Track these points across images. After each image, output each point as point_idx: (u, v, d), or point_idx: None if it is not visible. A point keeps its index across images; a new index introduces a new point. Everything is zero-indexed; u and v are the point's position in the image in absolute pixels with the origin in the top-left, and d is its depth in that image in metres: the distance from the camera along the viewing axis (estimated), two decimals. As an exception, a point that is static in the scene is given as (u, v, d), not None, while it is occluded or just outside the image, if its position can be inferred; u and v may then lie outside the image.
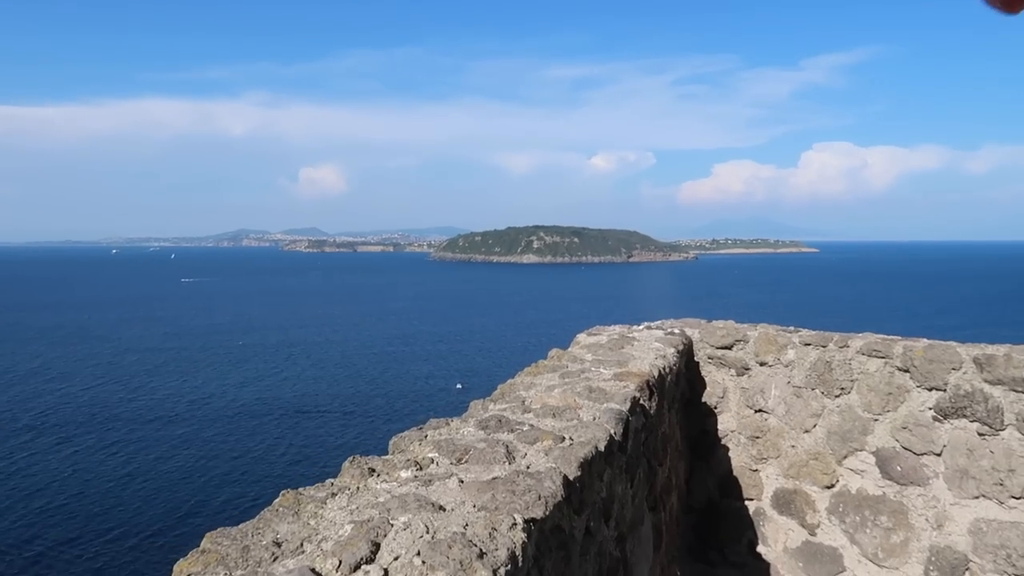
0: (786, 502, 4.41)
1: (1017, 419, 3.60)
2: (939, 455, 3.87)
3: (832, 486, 4.25)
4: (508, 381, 3.29)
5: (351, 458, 2.09)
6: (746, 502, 4.59)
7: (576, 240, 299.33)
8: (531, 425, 2.45)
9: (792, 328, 4.58)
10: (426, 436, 2.33)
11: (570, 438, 2.32)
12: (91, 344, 65.02)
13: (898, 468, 4.00)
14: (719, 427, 4.66)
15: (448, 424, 2.47)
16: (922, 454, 3.92)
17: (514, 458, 2.12)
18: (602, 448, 2.32)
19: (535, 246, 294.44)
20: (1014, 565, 3.64)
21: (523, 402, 2.79)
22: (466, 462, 2.08)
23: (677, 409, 4.35)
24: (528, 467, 2.06)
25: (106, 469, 31.87)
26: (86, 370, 52.78)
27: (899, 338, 4.13)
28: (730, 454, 4.64)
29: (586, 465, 2.14)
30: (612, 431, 2.50)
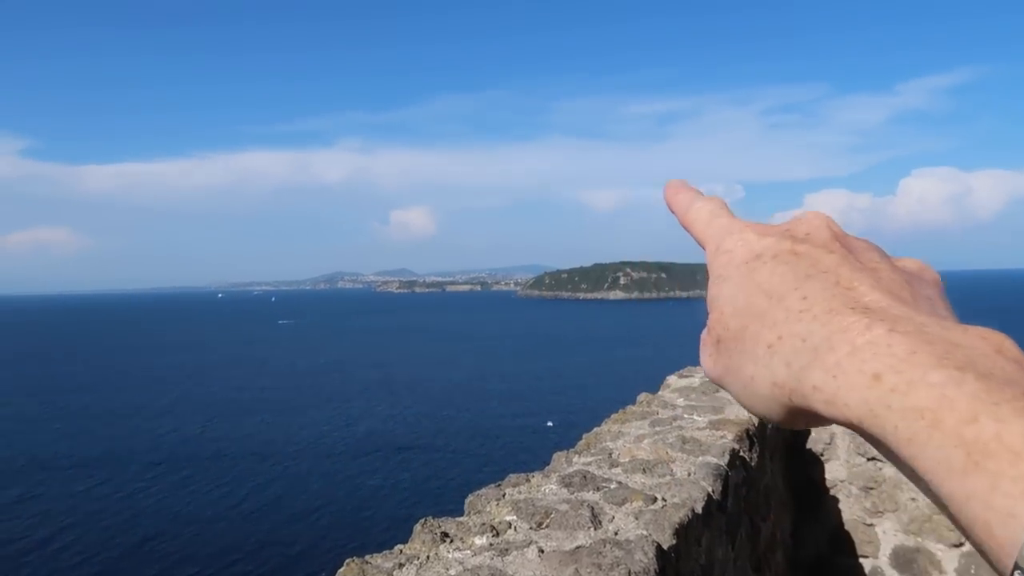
0: (907, 561, 3.98)
1: None
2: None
3: (961, 544, 3.80)
4: (594, 430, 3.07)
5: (423, 521, 1.92)
6: (860, 559, 4.17)
7: (663, 275, 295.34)
8: (619, 482, 2.22)
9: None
10: (504, 495, 2.14)
11: (663, 498, 2.08)
12: (201, 383, 68.02)
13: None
14: (827, 476, 4.28)
15: (528, 480, 2.27)
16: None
17: (600, 522, 1.90)
18: (699, 509, 2.08)
19: (622, 282, 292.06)
20: None
21: (610, 454, 2.56)
22: (547, 527, 1.87)
23: (780, 457, 4.01)
24: (616, 533, 1.84)
25: (204, 503, 32.91)
26: (199, 409, 55.11)
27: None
28: (840, 506, 4.24)
29: (682, 531, 1.90)
30: (710, 489, 2.25)
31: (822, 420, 0.46)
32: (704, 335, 0.57)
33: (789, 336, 0.48)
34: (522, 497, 2.10)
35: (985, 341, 0.43)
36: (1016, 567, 0.38)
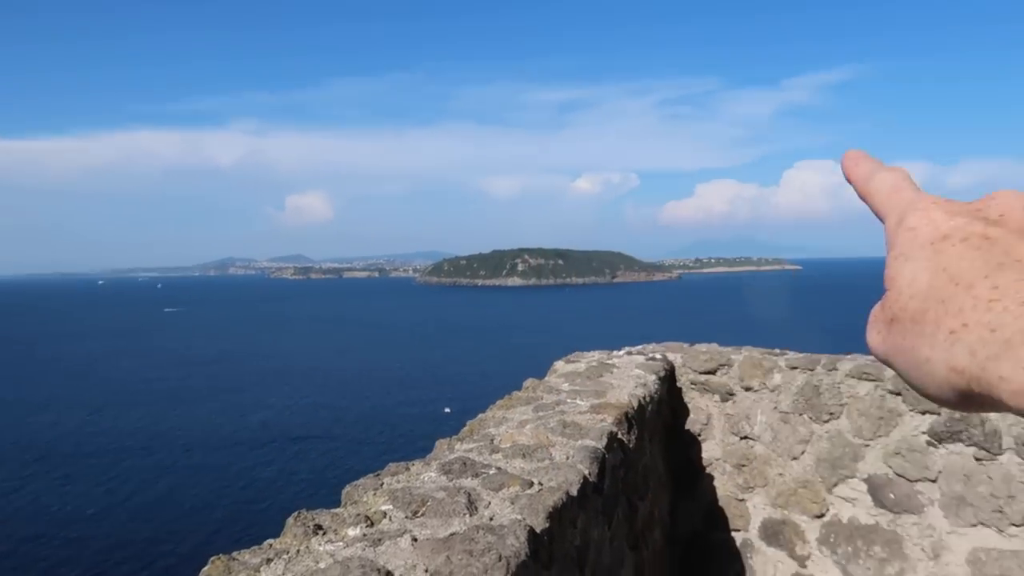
0: (774, 533, 4.22)
1: (1016, 443, 3.45)
2: (934, 481, 3.70)
3: (822, 515, 4.06)
4: (479, 416, 3.09)
5: (296, 514, 1.88)
6: (732, 533, 4.39)
7: (561, 262, 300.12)
8: (498, 468, 2.25)
9: (778, 351, 4.42)
10: (382, 484, 2.12)
11: (539, 482, 2.12)
12: (80, 375, 64.04)
13: (891, 496, 3.83)
14: (703, 456, 4.47)
15: (408, 469, 2.27)
16: (916, 481, 3.76)
17: (476, 508, 1.92)
18: (575, 492, 2.13)
19: (520, 269, 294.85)
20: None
21: (492, 440, 2.59)
22: (423, 515, 1.88)
23: (659, 439, 4.16)
24: (491, 519, 1.86)
25: (86, 501, 31.13)
26: (79, 401, 51.85)
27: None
28: (715, 483, 4.45)
29: (556, 514, 1.95)
30: (587, 472, 2.31)
31: (998, 408, 0.48)
32: (876, 311, 0.56)
33: (976, 325, 0.48)
34: (400, 486, 2.09)
35: None
36: None
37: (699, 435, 4.49)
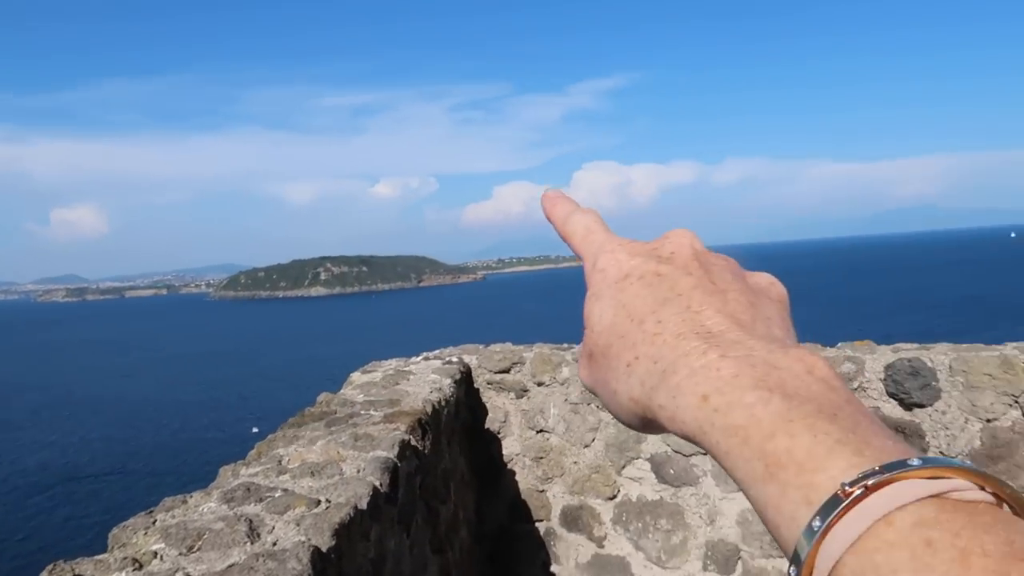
0: (573, 518, 4.44)
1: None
2: (706, 454, 4.07)
3: (614, 497, 4.34)
4: (268, 437, 2.97)
5: (52, 566, 1.71)
6: (536, 524, 4.56)
7: (365, 269, 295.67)
8: (284, 490, 2.18)
9: (566, 345, 4.65)
10: (155, 522, 1.98)
11: (327, 500, 2.08)
12: None
13: (671, 471, 4.16)
14: (504, 452, 4.61)
15: (186, 502, 2.13)
16: (691, 455, 4.11)
17: (259, 535, 1.84)
18: (364, 505, 2.11)
19: (323, 278, 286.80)
20: (777, 547, 3.90)
21: (280, 462, 2.50)
22: (199, 550, 1.77)
23: (459, 440, 4.23)
24: (274, 544, 1.80)
25: None
26: None
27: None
28: (517, 478, 4.60)
29: (343, 530, 1.92)
30: (377, 483, 2.29)
31: (668, 432, 0.51)
32: (581, 347, 0.60)
33: (644, 357, 0.53)
34: (175, 521, 1.96)
35: (800, 363, 0.48)
36: (791, 562, 0.42)
37: (499, 433, 4.62)
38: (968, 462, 0.41)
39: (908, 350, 3.58)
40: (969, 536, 0.39)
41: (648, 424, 0.54)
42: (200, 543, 1.79)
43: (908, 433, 3.50)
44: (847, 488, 0.41)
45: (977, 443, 3.36)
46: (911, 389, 3.48)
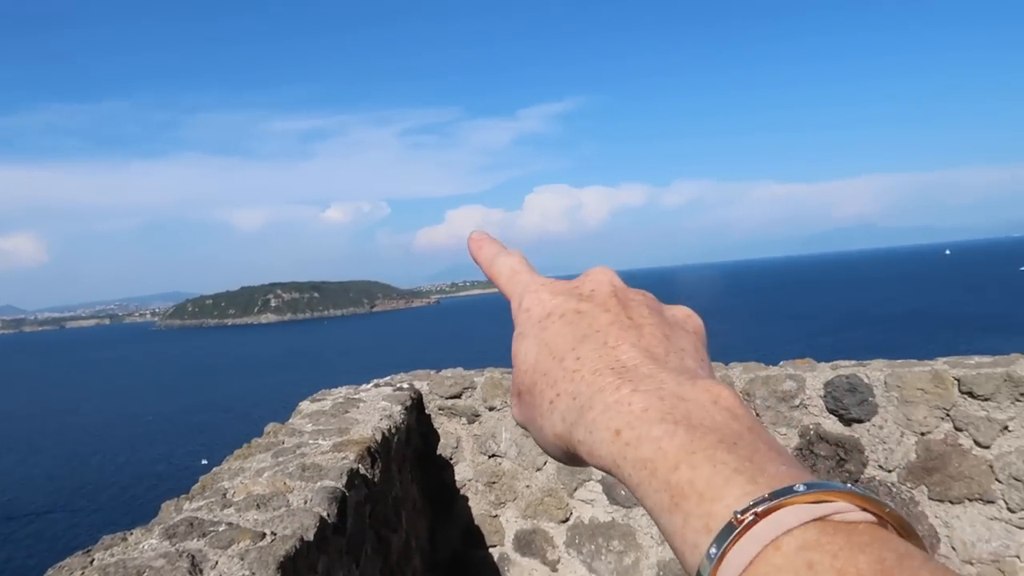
0: (527, 543, 4.44)
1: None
2: (655, 474, 4.12)
3: (567, 519, 4.35)
4: (213, 470, 2.92)
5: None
6: (490, 549, 4.55)
7: (316, 295, 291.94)
8: (229, 523, 2.14)
9: (516, 369, 4.67)
10: (92, 561, 1.93)
11: (273, 532, 2.06)
12: None
13: (622, 492, 4.20)
14: (456, 478, 4.59)
15: (125, 539, 2.08)
16: (641, 475, 4.16)
17: (201, 571, 1.81)
18: (311, 537, 2.09)
19: (273, 304, 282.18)
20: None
21: (224, 495, 2.46)
22: (139, 588, 1.73)
23: (411, 467, 4.21)
24: (217, 580, 1.77)
25: None
26: None
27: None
28: (470, 503, 4.58)
29: (289, 563, 1.90)
30: (324, 514, 2.27)
31: (588, 465, 0.53)
32: (511, 386, 0.62)
33: (564, 394, 0.55)
34: (114, 560, 1.91)
35: (706, 393, 0.50)
36: None
37: (451, 458, 4.61)
38: (850, 485, 0.45)
39: (846, 367, 3.70)
40: (846, 556, 0.43)
41: (572, 458, 0.55)
42: (140, 581, 1.76)
43: (848, 448, 3.60)
44: (739, 516, 0.44)
45: (913, 456, 3.47)
46: (849, 405, 3.59)
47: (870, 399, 3.56)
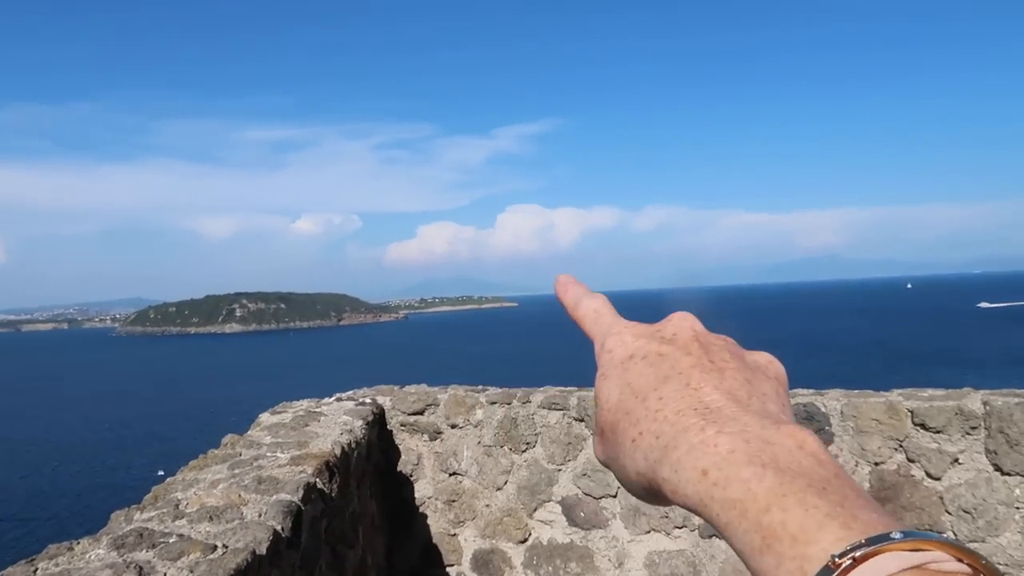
0: (484, 563, 4.42)
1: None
2: (615, 496, 4.14)
3: (525, 540, 4.34)
4: (167, 480, 2.87)
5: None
6: (447, 568, 4.51)
7: (283, 306, 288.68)
8: (180, 535, 2.11)
9: (480, 387, 4.66)
10: (36, 571, 1.88)
11: (224, 545, 2.03)
12: None
13: (581, 514, 4.20)
14: (416, 495, 4.56)
15: (71, 549, 2.03)
16: (601, 497, 4.17)
17: (149, 583, 1.78)
18: (264, 551, 2.06)
19: (238, 314, 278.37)
20: (683, 589, 3.97)
21: (177, 505, 2.42)
22: (83, 599, 1.70)
23: (370, 483, 4.17)
24: (165, 592, 1.74)
25: None
26: None
27: (575, 389, 4.38)
28: (429, 521, 4.55)
29: (240, 577, 1.87)
30: (279, 527, 2.25)
31: (671, 504, 0.54)
32: (594, 425, 0.63)
33: (647, 433, 0.56)
34: (58, 570, 1.87)
35: (791, 438, 0.50)
36: None
37: (411, 475, 4.57)
38: (946, 535, 0.47)
39: (804, 395, 3.76)
40: None
41: (654, 496, 0.56)
42: (85, 592, 1.72)
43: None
44: (836, 560, 0.46)
45: (866, 485, 3.53)
46: (807, 433, 3.64)
47: (827, 428, 3.62)
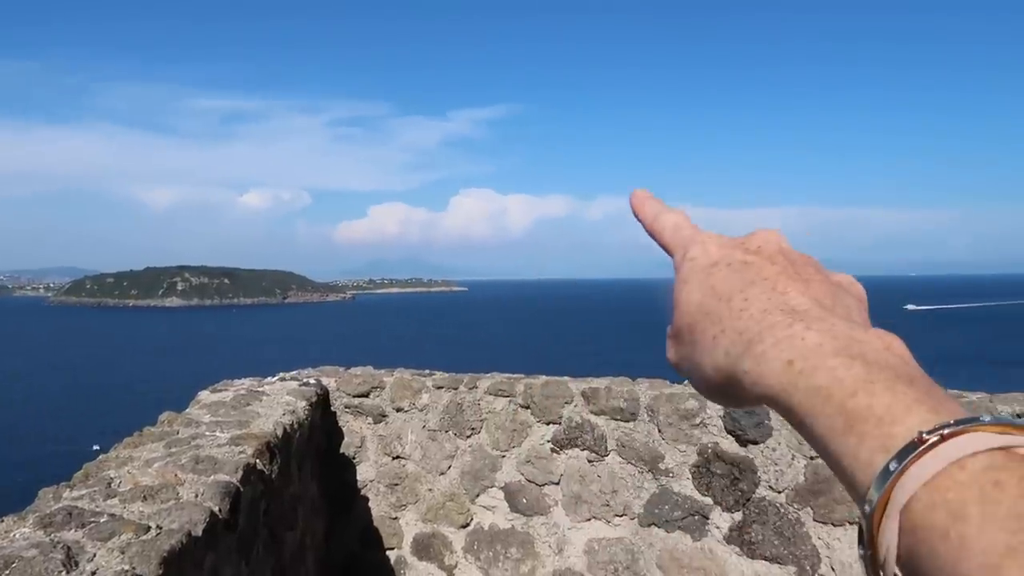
0: (425, 547, 4.41)
1: (617, 445, 4.02)
2: (557, 484, 4.16)
3: (467, 525, 4.34)
4: (99, 457, 2.78)
5: None
6: (387, 552, 4.49)
7: (227, 281, 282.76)
8: (111, 515, 2.04)
9: (427, 372, 4.64)
10: (-44, 549, 1.80)
11: (158, 526, 1.97)
12: None
13: (524, 500, 4.22)
14: (358, 478, 4.52)
15: (-5, 527, 1.95)
16: (543, 484, 4.19)
17: (76, 564, 1.72)
18: (200, 532, 2.01)
19: (179, 288, 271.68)
20: (621, 576, 4.03)
21: (109, 484, 2.34)
22: (5, 579, 1.63)
23: (312, 465, 4.12)
24: (94, 574, 1.68)
25: None
26: None
27: (522, 376, 4.39)
28: (370, 504, 4.52)
29: (173, 558, 1.82)
30: (216, 508, 2.19)
31: (748, 400, 0.57)
32: (669, 329, 0.66)
33: (729, 330, 0.58)
34: (-20, 548, 1.79)
35: (879, 339, 0.53)
36: (864, 501, 0.46)
37: (354, 458, 4.53)
38: None
39: (746, 389, 3.83)
40: None
41: (729, 391, 0.59)
42: (8, 572, 1.65)
43: (742, 468, 3.73)
44: (924, 436, 0.46)
45: (801, 478, 3.63)
46: (747, 427, 3.72)
47: (766, 421, 3.70)
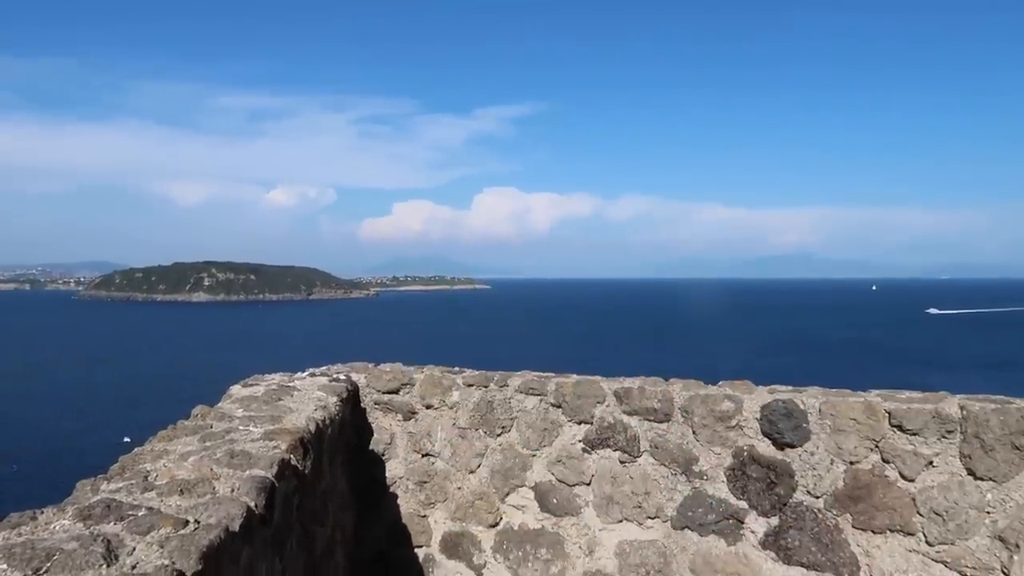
0: (454, 545, 4.38)
1: (651, 446, 3.96)
2: (588, 484, 4.12)
3: (496, 524, 4.31)
4: (135, 450, 2.78)
5: None
6: (415, 549, 4.47)
7: (253, 277, 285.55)
8: (150, 508, 2.03)
9: (457, 369, 4.61)
10: (-3, 540, 1.80)
11: (196, 520, 1.96)
12: None
13: (554, 500, 4.18)
14: (387, 474, 4.51)
15: (35, 518, 1.95)
16: (574, 485, 4.14)
17: (117, 557, 1.71)
18: (237, 527, 2.00)
19: (207, 283, 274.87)
20: (652, 579, 3.97)
21: (146, 477, 2.34)
22: (47, 572, 1.62)
23: (342, 461, 4.11)
24: (134, 568, 1.67)
25: None
26: None
27: (552, 375, 4.34)
28: (399, 501, 4.50)
29: (212, 553, 1.81)
30: (252, 504, 2.18)
31: None
32: None
33: None
34: (21, 540, 1.79)
35: None
36: None
37: (383, 454, 4.52)
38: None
39: (783, 392, 3.76)
40: None
41: None
42: (49, 564, 1.64)
43: (779, 471, 3.65)
44: None
45: (840, 484, 3.55)
46: (784, 430, 3.64)
47: (804, 425, 3.62)
